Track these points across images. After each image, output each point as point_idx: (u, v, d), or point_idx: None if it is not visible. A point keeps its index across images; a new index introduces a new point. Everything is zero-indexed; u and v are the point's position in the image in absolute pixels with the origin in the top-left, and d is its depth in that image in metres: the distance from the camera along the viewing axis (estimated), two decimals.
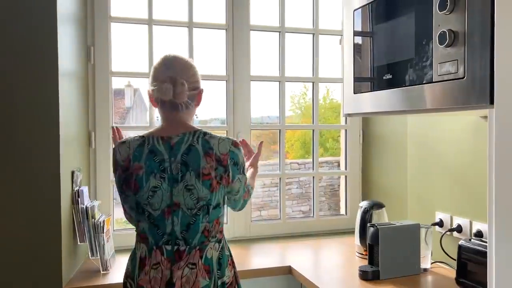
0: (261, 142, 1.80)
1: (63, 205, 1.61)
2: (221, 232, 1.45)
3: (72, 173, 1.73)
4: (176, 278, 1.32)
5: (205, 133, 1.39)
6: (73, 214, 1.72)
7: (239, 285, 1.47)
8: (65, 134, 1.64)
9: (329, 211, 8.41)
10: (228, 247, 1.47)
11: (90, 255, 1.75)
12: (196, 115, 1.55)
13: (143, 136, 1.40)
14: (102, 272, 1.73)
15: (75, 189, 1.74)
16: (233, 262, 1.47)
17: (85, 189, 1.81)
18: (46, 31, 1.56)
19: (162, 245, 1.36)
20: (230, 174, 1.39)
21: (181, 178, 1.34)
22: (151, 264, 1.35)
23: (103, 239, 1.73)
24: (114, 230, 2.09)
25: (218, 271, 1.38)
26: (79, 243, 1.75)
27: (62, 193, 1.60)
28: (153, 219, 1.36)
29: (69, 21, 1.76)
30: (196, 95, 1.44)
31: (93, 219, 1.74)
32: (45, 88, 1.56)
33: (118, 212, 2.08)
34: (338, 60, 2.58)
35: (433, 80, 1.09)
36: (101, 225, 1.74)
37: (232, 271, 1.45)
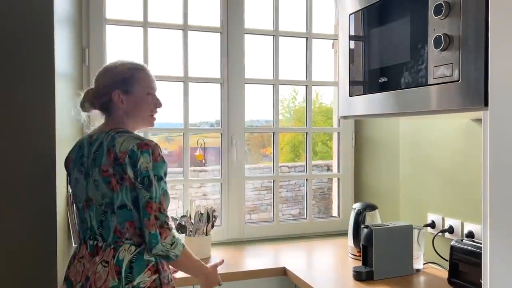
0: (222, 261, 1.65)
1: (58, 207, 1.60)
2: (140, 236, 1.36)
3: (67, 175, 1.72)
4: (91, 273, 1.36)
5: (118, 132, 1.41)
6: (68, 216, 1.71)
7: None
8: (60, 135, 1.64)
9: (319, 214, 8.46)
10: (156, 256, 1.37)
11: None
12: (152, 114, 1.52)
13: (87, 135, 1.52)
14: None
15: (70, 191, 1.73)
16: (158, 270, 1.36)
17: None
18: (43, 33, 1.56)
19: (87, 239, 1.43)
20: (130, 175, 1.33)
21: (92, 172, 1.40)
22: (78, 258, 1.44)
23: None
24: None
25: (129, 275, 1.32)
26: (73, 244, 1.74)
27: (57, 195, 1.59)
28: (79, 213, 1.47)
29: (65, 23, 1.76)
30: (108, 101, 1.46)
31: None
32: (42, 90, 1.56)
33: None
34: (329, 64, 2.61)
35: (429, 83, 1.12)
36: None
37: (154, 277, 1.35)
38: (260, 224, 2.49)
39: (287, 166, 9.15)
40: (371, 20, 1.41)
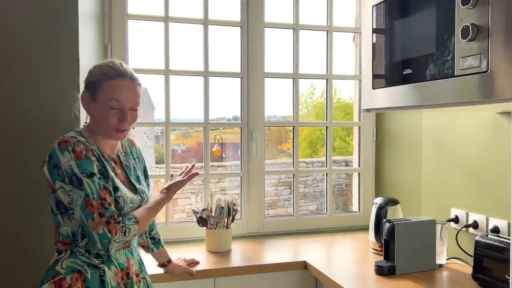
0: (193, 165, 1.56)
1: None
2: (65, 244, 1.29)
3: None
4: None
5: (75, 131, 1.34)
6: None
7: None
8: None
9: (337, 210, 8.43)
10: (73, 268, 1.25)
11: None
12: (85, 123, 1.43)
13: None
14: None
15: None
16: (61, 286, 1.23)
17: None
18: (68, 30, 1.59)
19: None
20: (48, 175, 1.26)
21: None
22: None
23: None
24: None
25: (43, 281, 1.28)
26: None
27: None
28: None
29: (88, 19, 1.79)
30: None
31: None
32: (67, 85, 1.59)
33: None
34: (349, 57, 2.59)
35: (455, 74, 1.10)
36: None
37: None
38: (280, 218, 2.49)
39: (305, 162, 9.13)
40: (395, 11, 1.39)
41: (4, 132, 1.55)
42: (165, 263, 1.67)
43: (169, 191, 1.48)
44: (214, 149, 12.76)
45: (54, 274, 1.25)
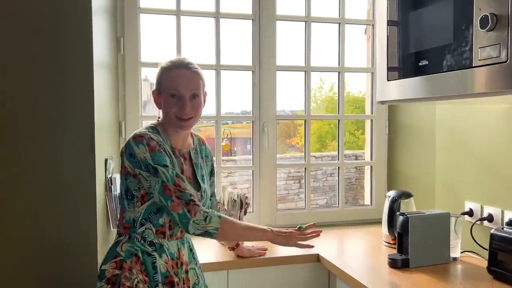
0: (313, 224, 1.56)
1: (98, 192, 1.65)
2: (126, 228, 1.41)
3: (106, 160, 1.77)
4: None
5: (150, 125, 1.46)
6: (106, 201, 1.76)
7: None
8: (99, 123, 1.68)
9: (346, 204, 8.41)
10: (132, 252, 1.36)
11: None
12: (158, 118, 1.52)
13: None
14: None
15: (108, 177, 1.78)
16: (122, 267, 1.35)
17: (117, 176, 1.84)
18: (81, 23, 1.59)
19: None
20: (126, 164, 1.37)
21: None
22: None
23: None
24: None
25: (105, 258, 1.41)
26: (112, 229, 1.80)
27: (97, 181, 1.64)
28: None
29: (101, 12, 1.79)
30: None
31: None
32: (81, 78, 1.60)
33: None
34: (360, 50, 2.57)
35: (473, 65, 1.09)
36: None
37: (116, 272, 1.36)
38: (292, 211, 2.49)
39: (314, 156, 9.11)
40: (410, 2, 1.37)
41: (18, 128, 1.57)
42: (233, 246, 1.76)
43: (273, 239, 1.45)
44: (223, 143, 12.76)
45: (115, 255, 1.38)
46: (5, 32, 1.54)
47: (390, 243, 1.93)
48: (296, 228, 1.50)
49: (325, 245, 1.99)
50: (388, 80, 1.47)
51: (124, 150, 1.38)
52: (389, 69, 1.47)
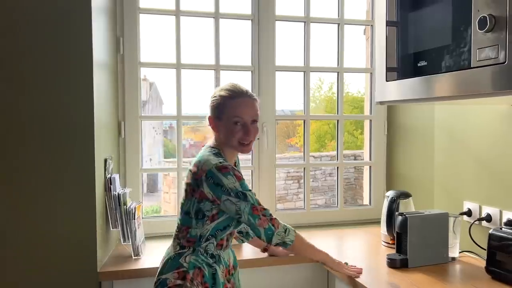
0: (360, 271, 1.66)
1: (97, 192, 1.66)
2: (190, 242, 1.49)
3: (105, 160, 1.78)
4: None
5: (212, 148, 1.53)
6: (105, 201, 1.77)
7: None
8: (98, 123, 1.68)
9: (345, 204, 8.42)
10: (195, 265, 1.46)
11: (122, 240, 1.79)
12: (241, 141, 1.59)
13: None
14: (133, 257, 1.78)
15: (108, 176, 1.78)
16: (184, 278, 1.43)
17: (116, 176, 1.85)
18: (81, 23, 1.60)
19: None
20: (206, 191, 1.45)
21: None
22: None
23: (135, 225, 1.77)
24: (142, 217, 2.13)
25: (164, 268, 1.48)
26: (111, 229, 1.80)
27: (96, 180, 1.64)
28: None
29: (101, 12, 1.79)
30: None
31: (124, 206, 1.78)
32: (81, 78, 1.61)
33: (146, 201, 2.11)
34: (359, 50, 2.57)
35: (472, 66, 1.09)
36: (133, 211, 1.78)
37: (179, 282, 1.43)
38: (291, 211, 2.50)
39: (313, 156, 9.11)
40: (409, 3, 1.38)
41: (18, 128, 1.57)
42: (265, 247, 1.82)
43: (327, 262, 1.68)
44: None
45: (178, 266, 1.46)
46: (4, 31, 1.55)
47: (389, 243, 1.94)
48: (344, 263, 1.70)
49: (324, 245, 1.98)
50: (387, 81, 1.47)
51: (204, 178, 1.44)
52: (388, 69, 1.48)
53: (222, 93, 1.54)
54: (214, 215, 1.48)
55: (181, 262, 1.46)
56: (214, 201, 1.45)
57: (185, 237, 1.50)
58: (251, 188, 1.50)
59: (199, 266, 1.46)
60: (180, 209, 1.54)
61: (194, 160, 1.52)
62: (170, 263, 1.47)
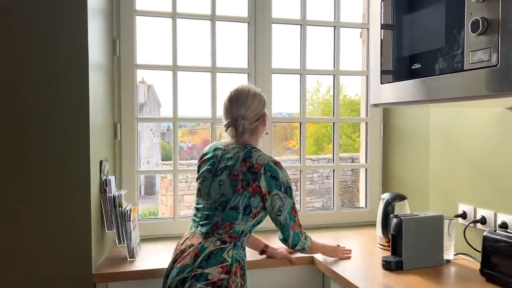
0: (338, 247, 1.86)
1: (93, 194, 1.66)
2: (232, 237, 1.52)
3: (100, 162, 1.78)
4: (180, 251, 1.54)
5: (252, 147, 1.59)
6: (101, 203, 1.77)
7: None
8: (94, 124, 1.68)
9: (342, 207, 8.42)
10: (237, 258, 1.51)
11: (117, 242, 1.79)
12: (266, 132, 1.72)
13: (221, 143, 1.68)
14: (129, 259, 1.77)
15: (103, 178, 1.78)
16: (229, 272, 1.46)
17: (112, 178, 1.85)
18: (77, 25, 1.60)
19: (196, 226, 1.59)
20: (262, 184, 1.51)
21: (220, 174, 1.57)
22: (185, 238, 1.60)
23: (130, 227, 1.77)
24: (138, 220, 2.13)
25: (204, 262, 1.47)
26: (106, 230, 1.80)
27: (91, 182, 1.64)
28: (196, 203, 1.63)
29: (97, 14, 1.80)
30: (260, 123, 1.64)
31: (120, 208, 1.78)
32: (76, 80, 1.61)
33: (143, 203, 2.10)
34: (355, 53, 2.58)
35: (465, 69, 1.10)
36: (128, 213, 1.78)
37: (223, 277, 1.45)
38: None
39: (311, 159, 9.12)
40: (403, 6, 1.39)
41: (13, 129, 1.57)
42: (263, 249, 1.85)
43: (325, 252, 1.81)
44: None
45: (222, 260, 1.48)
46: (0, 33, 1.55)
47: (384, 246, 1.94)
48: (337, 245, 1.86)
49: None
50: (381, 83, 1.48)
51: (263, 171, 1.52)
52: (383, 72, 1.48)
53: (259, 91, 1.65)
54: (257, 212, 1.54)
55: (224, 257, 1.48)
56: (265, 195, 1.51)
57: (228, 232, 1.52)
58: None
59: (239, 259, 1.51)
60: (217, 205, 1.54)
61: (233, 157, 1.56)
62: (214, 257, 1.47)
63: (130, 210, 1.79)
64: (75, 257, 1.61)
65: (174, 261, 1.53)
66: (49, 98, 1.59)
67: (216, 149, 1.65)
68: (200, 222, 1.58)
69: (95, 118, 1.70)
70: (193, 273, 1.45)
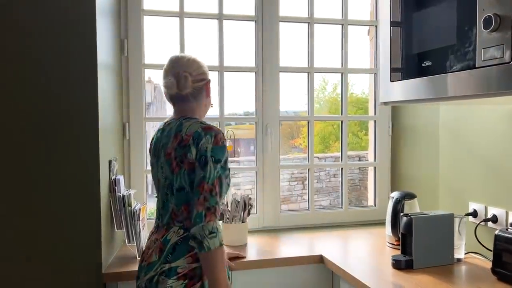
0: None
1: (102, 193, 1.66)
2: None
3: (110, 162, 1.78)
4: (146, 248, 1.46)
5: (186, 118, 1.45)
6: (110, 202, 1.77)
7: (203, 284, 1.35)
8: (103, 124, 1.69)
9: (349, 205, 8.39)
10: None
11: (126, 242, 1.80)
12: (211, 104, 1.60)
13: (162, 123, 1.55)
14: (138, 258, 1.78)
15: (112, 178, 1.79)
16: (198, 259, 1.35)
17: (121, 178, 1.85)
18: (86, 25, 1.61)
19: (158, 218, 1.50)
20: (193, 156, 1.35)
21: (160, 156, 1.46)
22: (151, 233, 1.52)
23: (139, 227, 1.77)
24: (147, 219, 2.13)
25: (169, 255, 1.36)
26: (116, 230, 1.80)
27: (101, 182, 1.64)
28: (155, 194, 1.53)
29: (105, 14, 1.80)
30: (203, 86, 1.51)
31: (129, 207, 1.79)
32: (85, 80, 1.61)
33: (152, 202, 2.12)
34: (363, 51, 2.56)
35: (476, 66, 1.09)
36: (137, 213, 1.78)
37: (194, 266, 1.35)
38: (295, 212, 2.49)
39: (317, 157, 9.09)
40: (413, 3, 1.37)
41: (22, 130, 1.57)
42: None
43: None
44: (227, 144, 12.78)
45: (188, 249, 1.36)
46: (9, 34, 1.55)
47: (393, 244, 1.93)
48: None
49: (328, 246, 1.99)
50: (391, 81, 1.47)
51: (191, 141, 1.38)
52: (392, 70, 1.47)
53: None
54: None
55: (191, 245, 1.36)
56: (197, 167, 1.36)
57: (187, 217, 1.38)
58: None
59: None
60: (166, 191, 1.42)
61: (167, 134, 1.46)
62: (179, 248, 1.36)
63: (139, 209, 1.80)
64: (85, 257, 1.62)
65: (142, 260, 1.44)
66: (58, 98, 1.59)
67: (158, 130, 1.53)
68: (160, 213, 1.47)
69: (104, 118, 1.71)
70: (161, 270, 1.34)
